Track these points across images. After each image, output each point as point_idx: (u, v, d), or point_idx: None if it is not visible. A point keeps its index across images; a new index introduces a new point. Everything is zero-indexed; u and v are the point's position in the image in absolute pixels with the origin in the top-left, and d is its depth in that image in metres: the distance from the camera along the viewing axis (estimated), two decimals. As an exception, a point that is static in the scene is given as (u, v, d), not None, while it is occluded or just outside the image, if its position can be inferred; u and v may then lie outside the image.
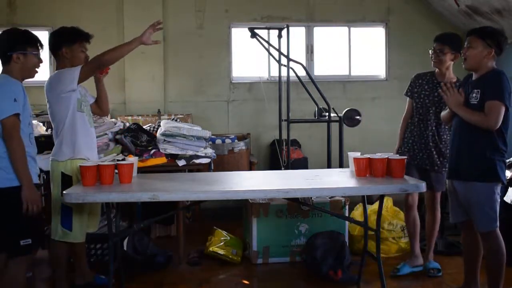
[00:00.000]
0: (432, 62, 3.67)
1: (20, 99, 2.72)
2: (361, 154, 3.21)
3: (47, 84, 3.23)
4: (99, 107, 3.56)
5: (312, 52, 6.29)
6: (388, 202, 4.36)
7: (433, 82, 3.67)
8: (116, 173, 3.00)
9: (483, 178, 2.97)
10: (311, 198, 3.97)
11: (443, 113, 3.34)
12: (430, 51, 3.67)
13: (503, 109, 2.91)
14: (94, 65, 3.16)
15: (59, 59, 3.30)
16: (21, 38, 2.86)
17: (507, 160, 3.15)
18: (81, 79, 3.15)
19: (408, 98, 3.83)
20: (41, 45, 2.92)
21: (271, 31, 5.50)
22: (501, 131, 2.97)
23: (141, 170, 3.71)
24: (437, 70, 3.70)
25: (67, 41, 3.26)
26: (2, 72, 2.87)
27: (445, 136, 3.67)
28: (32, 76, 2.91)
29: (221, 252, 4.05)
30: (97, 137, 3.64)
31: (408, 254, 4.22)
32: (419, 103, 3.71)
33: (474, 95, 3.01)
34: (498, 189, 3.01)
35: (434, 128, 3.66)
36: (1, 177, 2.67)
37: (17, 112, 2.68)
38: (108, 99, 3.61)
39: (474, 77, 3.10)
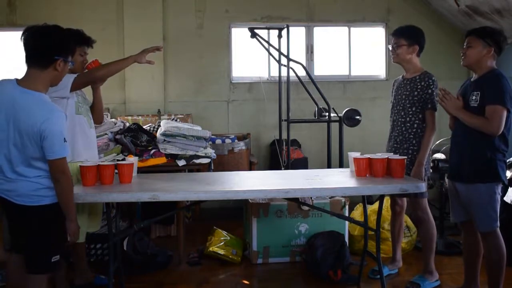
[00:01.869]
0: (392, 59, 3.65)
1: (66, 134, 2.43)
2: (361, 154, 3.22)
3: None
4: (92, 116, 3.46)
5: (312, 52, 6.29)
6: (388, 202, 4.35)
7: (401, 82, 3.65)
8: (116, 173, 3.00)
9: (484, 178, 2.96)
10: (311, 198, 3.98)
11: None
12: (389, 46, 3.65)
13: (505, 113, 2.87)
14: (87, 79, 3.20)
15: None
16: (70, 42, 2.49)
17: (508, 160, 3.14)
18: (72, 89, 3.14)
19: None
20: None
21: (271, 31, 5.51)
22: (502, 132, 2.94)
23: (141, 170, 3.71)
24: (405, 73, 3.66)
25: None
26: (29, 77, 2.40)
27: (411, 136, 3.48)
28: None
29: (221, 252, 4.05)
30: (97, 137, 3.63)
31: (407, 254, 4.23)
32: (392, 105, 3.68)
33: (473, 97, 2.98)
34: (499, 189, 3.01)
35: (399, 128, 3.56)
36: (48, 194, 2.46)
37: (65, 156, 2.42)
38: (103, 104, 3.57)
39: (473, 77, 3.08)
